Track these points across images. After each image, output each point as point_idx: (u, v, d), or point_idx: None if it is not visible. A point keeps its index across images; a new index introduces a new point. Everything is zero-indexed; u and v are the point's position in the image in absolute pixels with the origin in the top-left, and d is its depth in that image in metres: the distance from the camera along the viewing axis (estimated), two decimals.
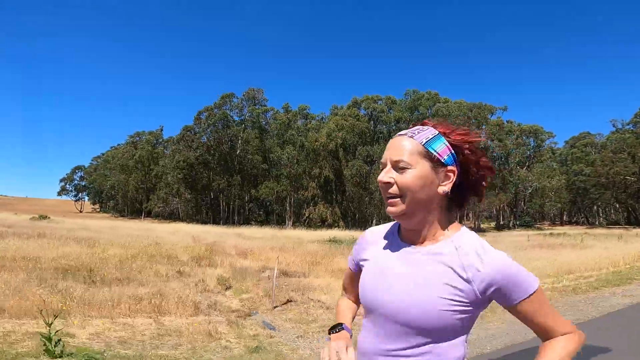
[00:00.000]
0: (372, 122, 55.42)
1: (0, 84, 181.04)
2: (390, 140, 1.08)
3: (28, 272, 7.78)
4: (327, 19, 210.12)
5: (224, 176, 56.00)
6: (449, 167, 1.02)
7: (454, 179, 1.03)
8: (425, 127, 1.06)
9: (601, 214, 71.77)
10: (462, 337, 1.03)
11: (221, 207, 59.85)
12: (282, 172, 52.47)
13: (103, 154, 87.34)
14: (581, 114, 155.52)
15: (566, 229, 49.64)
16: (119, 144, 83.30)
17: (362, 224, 51.67)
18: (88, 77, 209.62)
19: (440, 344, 1.00)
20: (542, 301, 1.00)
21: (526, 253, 16.10)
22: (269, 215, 60.20)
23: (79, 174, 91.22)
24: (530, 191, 58.98)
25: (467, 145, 1.05)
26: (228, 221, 56.71)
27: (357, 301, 1.32)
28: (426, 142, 1.02)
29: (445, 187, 1.02)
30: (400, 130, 1.21)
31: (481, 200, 1.08)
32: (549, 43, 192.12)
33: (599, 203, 66.54)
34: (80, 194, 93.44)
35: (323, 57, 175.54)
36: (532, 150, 61.26)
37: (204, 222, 51.42)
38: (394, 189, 1.01)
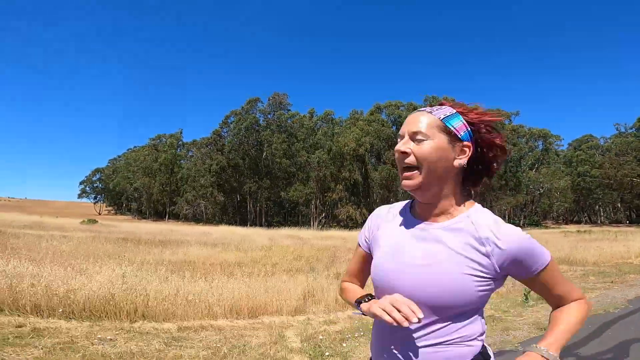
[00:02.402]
0: (394, 126, 58.22)
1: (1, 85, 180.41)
2: (409, 115, 1.10)
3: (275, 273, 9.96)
4: (334, 23, 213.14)
5: (253, 179, 58.25)
6: (465, 143, 1.04)
7: (470, 154, 1.05)
8: (444, 106, 1.08)
9: (602, 214, 75.39)
10: (479, 313, 1.04)
11: (248, 209, 62.06)
12: (311, 174, 54.92)
13: (119, 157, 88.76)
14: (581, 117, 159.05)
15: (572, 227, 52.67)
16: (135, 146, 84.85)
17: None
18: (89, 79, 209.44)
19: (458, 322, 1.00)
20: (556, 269, 1.03)
21: (591, 244, 18.52)
22: (294, 217, 62.59)
23: (97, 177, 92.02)
24: (541, 192, 62.35)
25: (484, 125, 1.07)
26: (255, 222, 58.82)
27: (362, 285, 1.29)
28: (444, 117, 1.04)
29: (462, 161, 1.04)
30: None
31: (490, 180, 1.11)
32: (550, 45, 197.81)
33: (600, 203, 70.29)
34: (99, 196, 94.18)
35: (337, 61, 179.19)
36: (540, 153, 64.94)
37: (231, 224, 53.29)
38: (410, 159, 1.03)
